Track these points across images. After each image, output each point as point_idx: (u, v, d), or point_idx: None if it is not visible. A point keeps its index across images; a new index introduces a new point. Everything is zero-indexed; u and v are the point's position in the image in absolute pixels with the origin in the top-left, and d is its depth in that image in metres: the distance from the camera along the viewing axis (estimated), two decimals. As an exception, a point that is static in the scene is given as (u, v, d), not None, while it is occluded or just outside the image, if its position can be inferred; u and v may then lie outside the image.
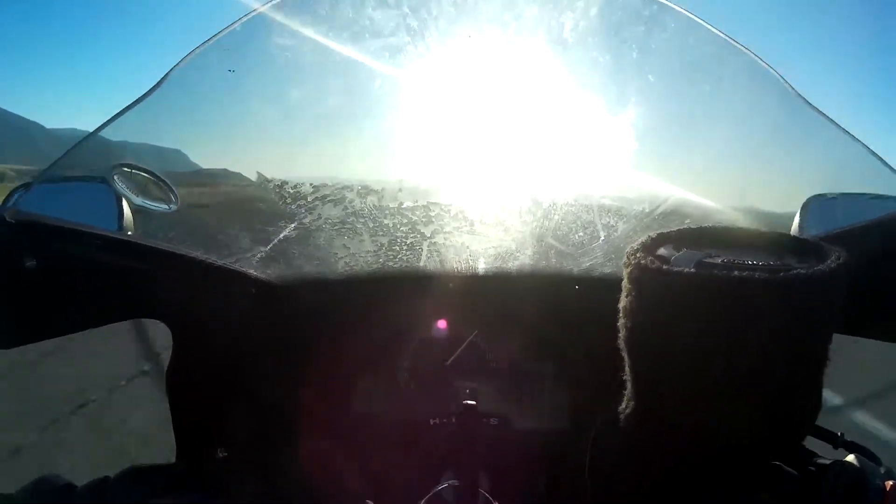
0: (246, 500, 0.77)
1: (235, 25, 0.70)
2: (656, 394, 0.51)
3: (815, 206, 0.77)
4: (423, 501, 0.73)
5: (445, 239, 0.93)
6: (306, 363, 0.94)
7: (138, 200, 0.83)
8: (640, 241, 0.52)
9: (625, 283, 0.50)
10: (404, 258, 0.98)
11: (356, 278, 0.98)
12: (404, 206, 0.89)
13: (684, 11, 0.72)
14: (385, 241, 0.96)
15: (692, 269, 0.45)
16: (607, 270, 0.91)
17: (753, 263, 0.45)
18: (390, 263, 0.98)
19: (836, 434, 0.65)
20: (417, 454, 0.85)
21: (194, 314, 0.85)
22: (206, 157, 0.90)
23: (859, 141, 0.67)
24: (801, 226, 0.77)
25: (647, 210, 0.88)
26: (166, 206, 0.85)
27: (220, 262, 0.86)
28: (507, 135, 0.88)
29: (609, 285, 0.53)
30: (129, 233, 0.83)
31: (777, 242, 0.52)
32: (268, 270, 0.94)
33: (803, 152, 0.81)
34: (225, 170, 0.96)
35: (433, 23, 0.77)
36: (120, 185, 0.79)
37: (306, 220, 0.91)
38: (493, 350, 1.00)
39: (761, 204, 0.86)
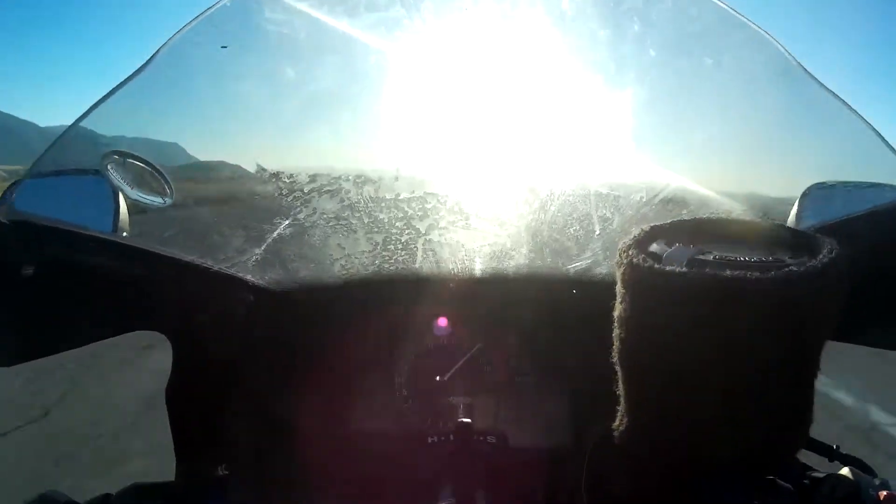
0: None
1: (225, 1, 0.70)
2: (650, 406, 0.51)
3: (815, 194, 0.76)
4: None
5: (440, 235, 0.93)
6: (303, 375, 0.94)
7: (133, 193, 0.83)
8: (633, 235, 0.52)
9: (618, 288, 0.50)
10: (399, 259, 0.97)
11: (352, 283, 0.98)
12: (400, 197, 0.89)
13: None
14: (380, 238, 0.95)
15: (683, 268, 0.45)
16: (603, 269, 0.90)
17: (745, 260, 0.45)
18: (385, 265, 0.97)
19: (832, 447, 0.66)
20: (415, 472, 0.84)
21: (193, 325, 0.85)
22: (198, 143, 0.90)
23: (868, 124, 0.66)
24: (798, 215, 0.76)
25: (644, 199, 0.87)
26: (161, 200, 0.85)
27: (217, 268, 0.86)
28: (504, 119, 0.88)
29: (606, 288, 0.53)
30: (125, 233, 0.83)
31: (771, 234, 0.52)
32: (265, 275, 0.94)
33: (809, 134, 0.80)
34: (221, 161, 0.96)
35: (429, 17, 0.77)
36: (114, 175, 0.79)
37: (301, 216, 0.91)
38: (490, 362, 1.00)
39: (762, 190, 0.85)
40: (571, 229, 0.92)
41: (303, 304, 0.98)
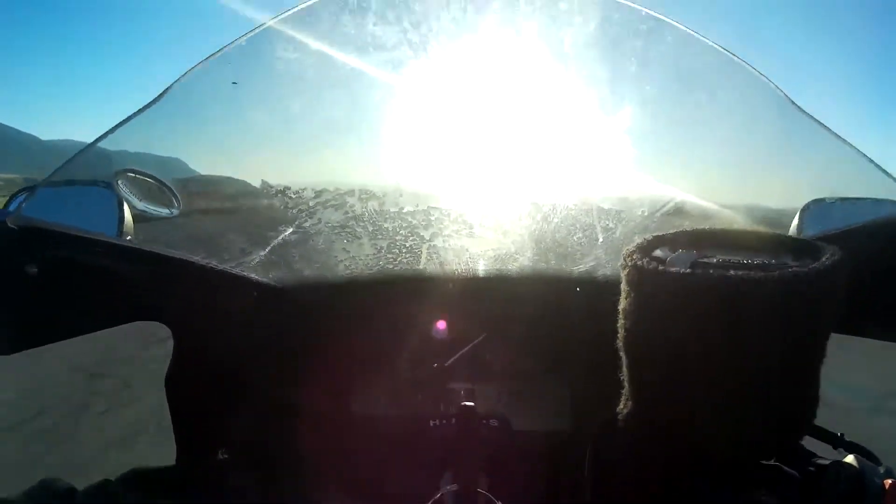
0: (246, 501, 0.77)
1: (241, 40, 0.70)
2: (654, 394, 0.51)
3: (814, 209, 0.77)
4: None
5: (445, 242, 0.94)
6: (306, 366, 0.94)
7: (141, 205, 0.84)
8: (636, 242, 0.53)
9: (623, 286, 0.51)
10: (404, 261, 0.98)
11: (356, 282, 0.98)
12: (404, 210, 0.90)
13: (681, 26, 0.72)
14: (384, 244, 0.96)
15: (687, 270, 0.45)
16: (607, 272, 0.91)
17: (748, 262, 0.45)
18: (390, 267, 0.98)
19: (836, 434, 0.65)
20: (417, 456, 0.84)
21: (196, 317, 0.85)
22: (209, 167, 0.91)
23: (854, 147, 0.68)
24: (799, 228, 0.77)
25: (645, 213, 0.88)
26: (168, 211, 0.85)
27: (220, 267, 0.86)
28: (508, 141, 0.88)
29: (608, 287, 0.53)
30: (129, 237, 0.83)
31: (773, 242, 0.52)
32: (269, 274, 0.94)
33: (800, 160, 0.81)
34: (228, 178, 0.96)
35: (434, 38, 0.77)
36: (123, 189, 0.80)
37: (307, 224, 0.92)
38: (494, 352, 1.00)
39: (760, 208, 0.86)
40: (575, 238, 0.93)
41: (306, 298, 0.98)
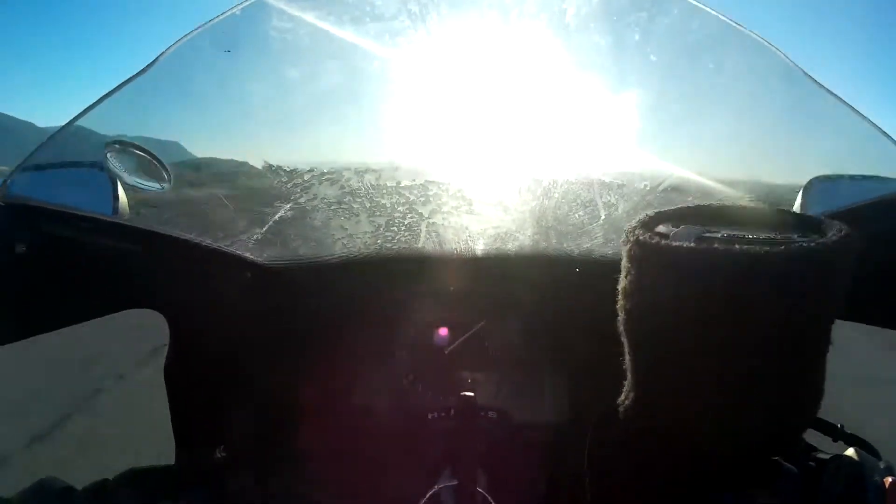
0: (244, 500, 0.78)
1: (235, 10, 0.67)
2: (656, 380, 0.50)
3: (818, 186, 0.76)
4: (421, 502, 0.74)
5: (444, 219, 0.92)
6: (303, 352, 0.93)
7: (131, 180, 0.81)
8: (639, 218, 0.52)
9: (624, 263, 0.50)
10: (402, 240, 0.96)
11: (352, 261, 0.96)
12: (402, 185, 0.88)
13: None
14: (382, 221, 0.94)
15: (692, 244, 0.44)
16: (608, 251, 0.90)
17: (754, 237, 0.44)
18: (388, 245, 0.96)
19: (836, 426, 0.65)
20: (416, 448, 0.84)
21: (190, 301, 0.84)
22: (200, 142, 0.88)
23: (866, 118, 0.66)
24: (802, 205, 0.76)
25: (648, 187, 0.87)
26: (159, 186, 0.83)
27: (214, 245, 0.84)
28: (508, 113, 0.86)
29: (609, 267, 0.52)
30: (124, 217, 0.81)
31: (778, 218, 0.51)
32: (263, 253, 0.92)
33: (809, 131, 0.80)
34: (221, 153, 0.94)
35: (433, 9, 0.75)
36: (113, 163, 0.78)
37: (302, 200, 0.90)
38: (493, 339, 0.99)
39: (765, 184, 0.85)
40: (576, 214, 0.91)
41: (302, 281, 0.96)
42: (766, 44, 0.69)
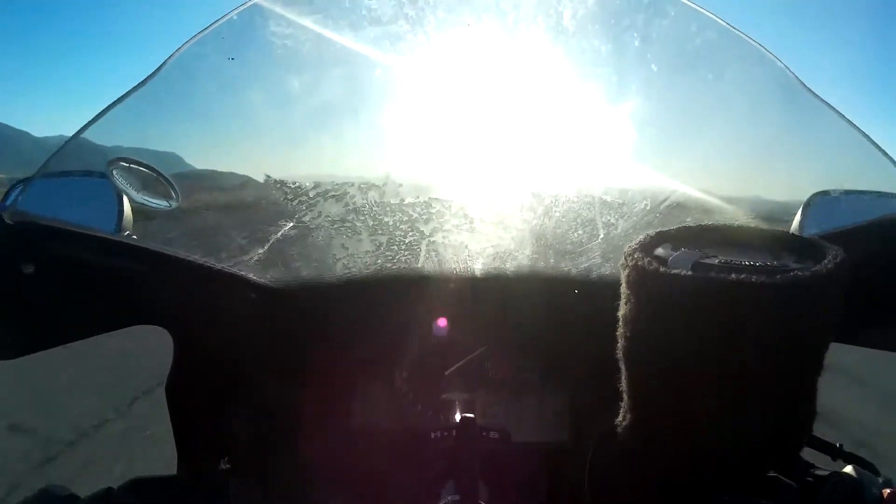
0: None
1: (232, 14, 0.70)
2: (653, 403, 0.51)
3: (818, 203, 0.77)
4: None
5: (444, 238, 0.93)
6: (305, 369, 0.93)
7: (138, 197, 0.83)
8: (638, 240, 0.53)
9: (623, 289, 0.51)
10: (403, 259, 0.97)
11: (354, 282, 0.97)
12: (405, 202, 0.89)
13: (686, 1, 0.71)
14: (384, 239, 0.95)
15: (689, 271, 0.45)
16: (606, 272, 0.91)
17: (750, 264, 0.45)
18: (388, 265, 0.97)
19: (835, 445, 0.65)
20: (417, 467, 0.84)
21: (195, 320, 0.84)
22: (202, 155, 0.90)
23: (866, 135, 0.67)
24: (802, 223, 0.77)
25: (648, 207, 0.87)
26: (166, 203, 0.84)
27: (219, 266, 0.85)
28: (508, 128, 0.88)
29: (608, 289, 0.53)
30: (128, 232, 0.83)
31: (775, 241, 0.52)
32: (267, 274, 0.93)
33: (809, 146, 0.81)
34: (225, 168, 0.96)
35: (431, 12, 0.77)
36: (119, 180, 0.79)
37: (306, 219, 0.91)
38: (493, 359, 0.99)
39: (765, 200, 0.86)
40: (575, 234, 0.92)
41: (305, 301, 0.97)
42: (768, 54, 0.71)
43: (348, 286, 0.97)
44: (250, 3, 0.71)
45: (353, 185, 0.87)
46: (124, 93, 0.67)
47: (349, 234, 0.94)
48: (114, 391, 3.75)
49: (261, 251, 0.91)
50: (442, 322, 0.99)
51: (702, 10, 0.72)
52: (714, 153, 0.86)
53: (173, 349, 0.85)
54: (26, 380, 3.51)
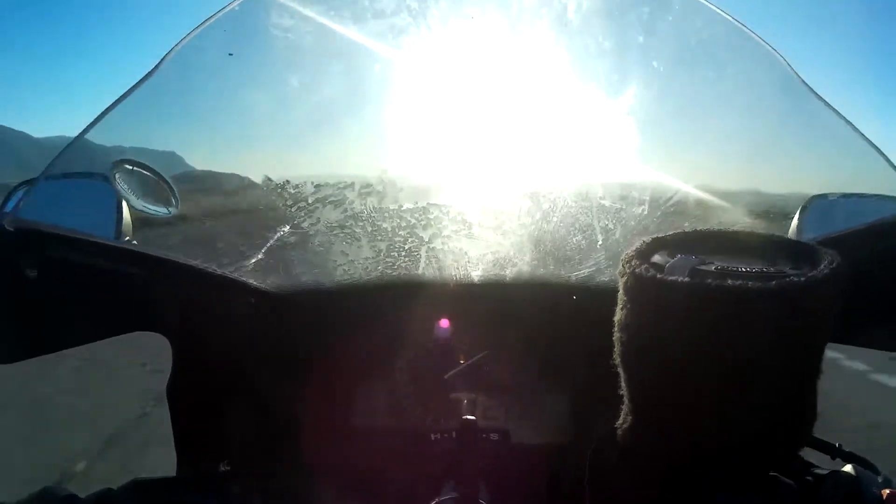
0: None
1: (233, 5, 0.70)
2: (653, 407, 0.51)
3: (816, 207, 0.77)
4: None
5: (444, 244, 0.93)
6: (306, 376, 0.94)
7: (138, 204, 0.84)
8: (635, 246, 0.54)
9: (620, 295, 0.51)
10: (402, 265, 0.97)
11: (354, 288, 0.98)
12: (404, 208, 0.89)
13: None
14: (383, 246, 0.95)
15: (686, 278, 0.45)
16: (605, 278, 0.91)
17: (747, 270, 0.46)
18: (388, 271, 0.98)
19: (834, 445, 0.66)
20: (417, 469, 0.84)
21: (194, 326, 0.85)
22: (202, 152, 0.90)
23: (866, 138, 0.67)
24: (799, 227, 0.77)
25: (646, 211, 0.88)
26: (166, 210, 0.85)
27: (219, 272, 0.86)
28: (507, 129, 0.88)
29: (607, 294, 0.54)
30: (128, 238, 0.83)
31: (772, 246, 0.53)
32: (267, 279, 0.94)
33: (810, 147, 0.81)
34: (225, 167, 0.96)
35: (434, 5, 0.77)
36: (120, 184, 0.80)
37: (305, 225, 0.92)
38: (494, 364, 0.99)
39: (763, 201, 0.86)
40: (574, 239, 0.93)
41: (305, 306, 0.98)
42: (772, 51, 0.70)
43: (348, 292, 0.98)
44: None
45: (352, 189, 0.88)
46: (125, 91, 0.68)
47: (349, 241, 0.95)
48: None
49: (260, 257, 0.92)
50: (442, 327, 0.99)
51: (705, 2, 0.72)
52: (713, 153, 0.86)
53: (172, 354, 0.85)
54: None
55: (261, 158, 0.88)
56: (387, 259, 0.97)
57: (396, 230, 0.92)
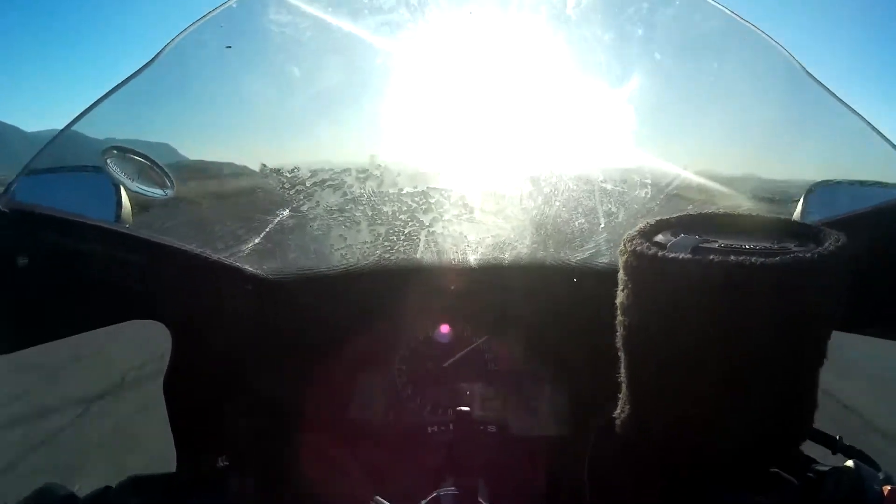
0: None
1: (231, 3, 0.68)
2: (653, 392, 0.50)
3: (820, 192, 0.76)
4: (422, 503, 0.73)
5: (444, 228, 0.92)
6: (303, 362, 0.93)
7: (134, 186, 0.82)
8: (637, 227, 0.52)
9: (620, 275, 0.50)
10: (402, 249, 0.96)
11: (352, 274, 0.97)
12: (404, 192, 0.88)
13: None
14: (383, 230, 0.94)
15: (688, 255, 0.44)
16: (606, 261, 0.90)
17: (750, 247, 0.44)
18: (387, 256, 0.97)
19: (835, 438, 0.64)
20: (415, 462, 0.84)
21: (192, 313, 0.84)
22: (196, 145, 0.89)
23: (869, 123, 0.66)
24: (804, 212, 0.76)
25: (649, 195, 0.87)
26: (162, 192, 0.84)
27: (216, 258, 0.85)
28: (509, 116, 0.87)
29: (608, 278, 0.52)
30: (128, 224, 0.82)
31: (776, 227, 0.51)
32: (265, 265, 0.93)
33: (812, 134, 0.80)
34: (222, 157, 0.95)
35: (432, 10, 0.76)
36: (114, 169, 0.78)
37: (304, 208, 0.90)
38: (491, 352, 0.99)
39: (766, 188, 0.85)
40: (576, 223, 0.92)
41: (303, 293, 0.96)
42: (772, 42, 0.70)
43: (347, 277, 0.97)
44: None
45: (350, 174, 0.86)
46: (118, 83, 0.66)
47: (347, 225, 0.93)
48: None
49: (258, 242, 0.91)
50: (442, 313, 0.99)
51: (711, 2, 0.71)
52: (716, 142, 0.85)
53: (171, 344, 0.85)
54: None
55: (256, 148, 0.87)
56: (385, 244, 0.96)
57: (396, 214, 0.91)
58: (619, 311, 0.50)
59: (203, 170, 0.94)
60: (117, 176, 0.79)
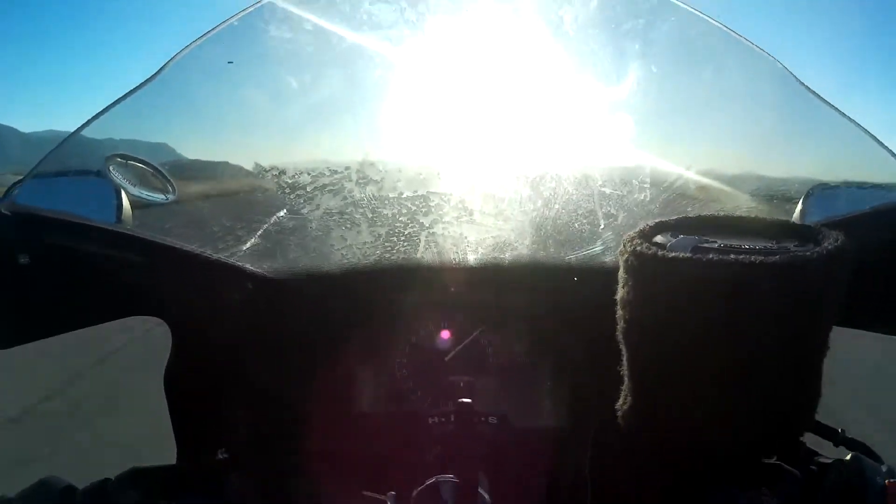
0: (246, 501, 0.78)
1: (233, 20, 0.69)
2: (653, 387, 0.51)
3: (819, 194, 0.77)
4: (417, 491, 0.73)
5: (444, 229, 0.93)
6: (304, 360, 0.94)
7: (135, 191, 0.83)
8: (637, 228, 0.53)
9: (621, 274, 0.50)
10: (402, 250, 0.97)
11: (353, 271, 0.97)
12: (404, 195, 0.88)
13: (682, 4, 0.71)
14: (383, 231, 0.95)
15: (688, 254, 0.44)
16: (605, 260, 0.90)
17: (750, 247, 0.45)
18: (388, 255, 0.97)
19: (837, 430, 0.64)
20: (416, 454, 0.85)
21: (193, 311, 0.85)
22: (205, 151, 0.89)
23: (863, 128, 0.67)
24: (803, 214, 0.77)
25: (648, 198, 0.87)
26: (164, 197, 0.84)
27: (216, 257, 0.85)
28: (508, 123, 0.87)
29: (608, 276, 0.53)
30: (128, 226, 0.82)
31: (775, 228, 0.52)
32: (265, 264, 0.93)
33: (808, 141, 0.81)
34: (224, 162, 0.95)
35: (431, 16, 0.76)
36: (116, 175, 0.79)
37: (304, 211, 0.91)
38: (492, 346, 0.99)
39: (764, 193, 0.86)
40: (576, 225, 0.92)
41: (303, 292, 0.97)
42: (765, 55, 0.71)
43: (347, 275, 0.97)
44: (254, 6, 0.70)
45: (350, 179, 0.87)
46: (124, 94, 0.67)
47: (348, 226, 0.94)
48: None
49: (258, 241, 0.91)
50: (441, 309, 0.99)
51: (699, 13, 0.72)
52: (713, 149, 0.86)
53: (171, 339, 0.85)
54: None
55: (260, 154, 0.87)
56: (386, 244, 0.96)
57: (397, 216, 0.91)
58: (619, 307, 0.51)
59: (204, 173, 0.94)
60: (119, 181, 0.80)
